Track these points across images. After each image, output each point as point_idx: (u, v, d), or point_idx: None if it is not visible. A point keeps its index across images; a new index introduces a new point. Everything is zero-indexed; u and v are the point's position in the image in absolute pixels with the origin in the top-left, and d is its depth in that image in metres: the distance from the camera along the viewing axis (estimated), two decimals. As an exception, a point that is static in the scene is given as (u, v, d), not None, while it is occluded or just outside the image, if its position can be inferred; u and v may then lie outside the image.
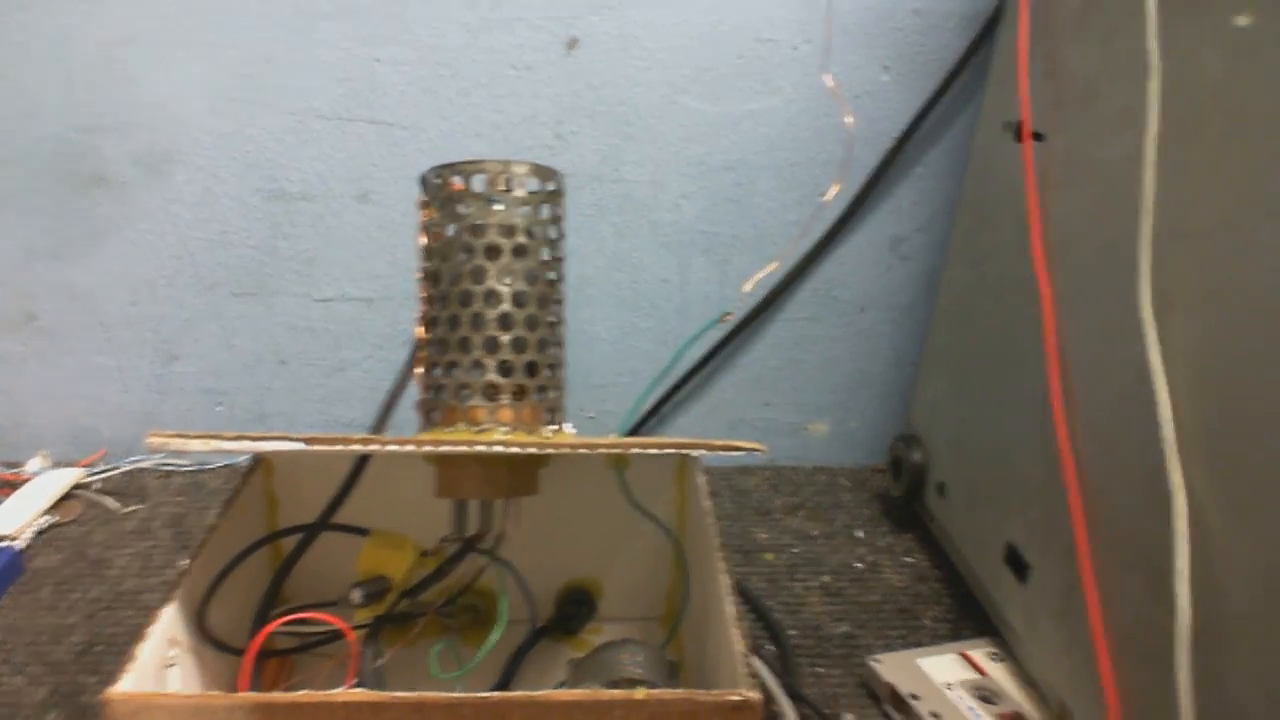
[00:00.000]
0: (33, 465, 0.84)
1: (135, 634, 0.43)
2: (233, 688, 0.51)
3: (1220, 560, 0.42)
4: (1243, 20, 0.42)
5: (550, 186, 0.51)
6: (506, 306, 0.48)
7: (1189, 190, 0.45)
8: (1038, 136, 0.59)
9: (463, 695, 0.40)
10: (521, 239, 0.49)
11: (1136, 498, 0.48)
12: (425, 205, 0.51)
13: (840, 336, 0.88)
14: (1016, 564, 0.61)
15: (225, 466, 0.86)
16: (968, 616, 0.69)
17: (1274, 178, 0.40)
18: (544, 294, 0.50)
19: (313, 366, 0.86)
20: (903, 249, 0.84)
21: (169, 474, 0.85)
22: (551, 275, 0.51)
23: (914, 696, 0.58)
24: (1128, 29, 0.50)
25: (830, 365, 0.89)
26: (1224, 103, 0.43)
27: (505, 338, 0.48)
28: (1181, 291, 0.45)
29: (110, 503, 0.80)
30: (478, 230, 0.48)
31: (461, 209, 0.49)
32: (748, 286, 0.67)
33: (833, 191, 0.64)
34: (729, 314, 0.66)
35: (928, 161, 0.81)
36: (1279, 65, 0.40)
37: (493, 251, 0.48)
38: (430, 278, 0.50)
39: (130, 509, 0.80)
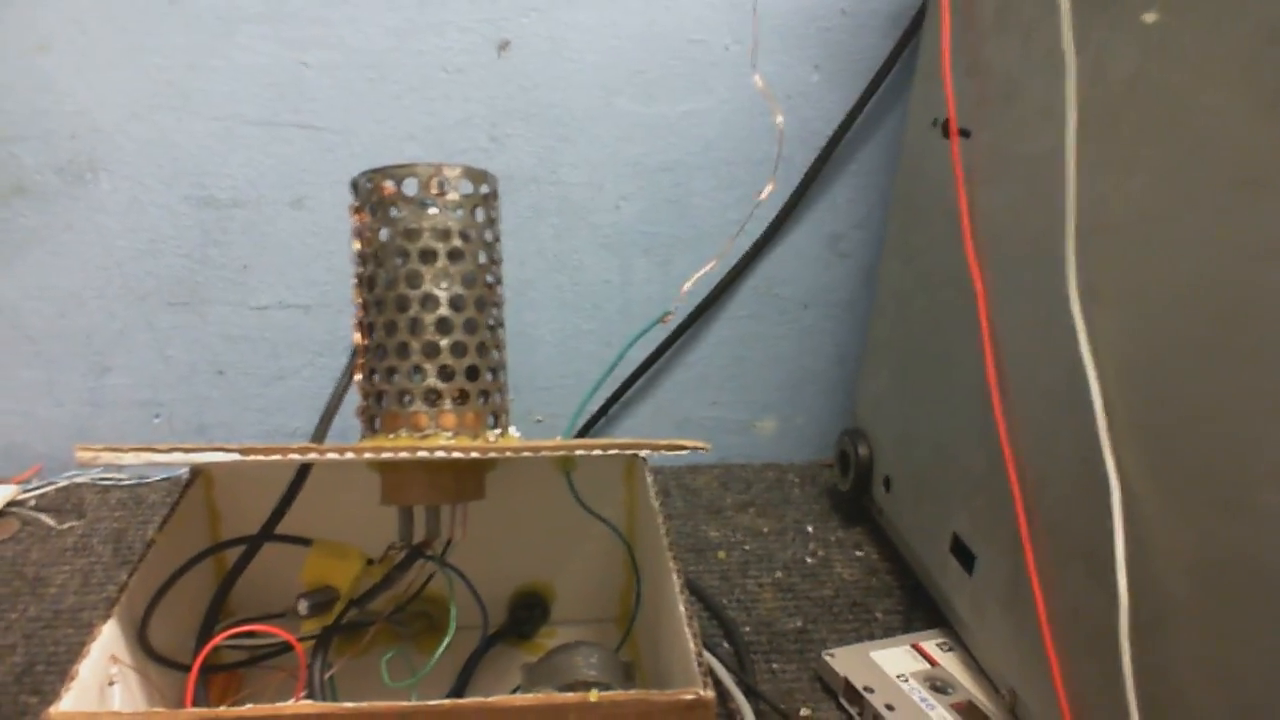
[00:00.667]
0: (-38, 485, 0.81)
1: (76, 652, 0.42)
2: (178, 704, 0.50)
3: (1156, 548, 0.43)
4: (1149, 17, 0.43)
5: (484, 189, 0.50)
6: (444, 311, 0.48)
7: (1108, 185, 0.46)
8: (964, 133, 0.60)
9: (415, 704, 0.39)
10: (457, 242, 0.48)
11: (1074, 487, 0.49)
12: (357, 210, 0.50)
13: (783, 334, 0.88)
14: (963, 555, 0.62)
15: (165, 480, 0.85)
16: (918, 608, 0.70)
17: (1183, 172, 0.42)
18: (482, 297, 0.50)
19: (251, 376, 0.84)
20: (841, 246, 0.85)
21: (107, 489, 0.83)
22: (489, 278, 0.51)
23: (868, 689, 0.59)
24: (1044, 26, 0.51)
25: (775, 363, 0.90)
26: (1136, 99, 0.45)
27: (444, 342, 0.48)
28: (1107, 284, 0.46)
29: (47, 519, 0.78)
30: (412, 234, 0.48)
31: (394, 213, 0.49)
32: (686, 286, 0.68)
33: (767, 190, 0.65)
34: (670, 313, 0.66)
35: (861, 159, 0.82)
36: (1183, 61, 0.42)
37: (428, 255, 0.48)
38: (365, 283, 0.50)
39: (67, 525, 0.78)
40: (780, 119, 0.79)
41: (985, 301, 0.56)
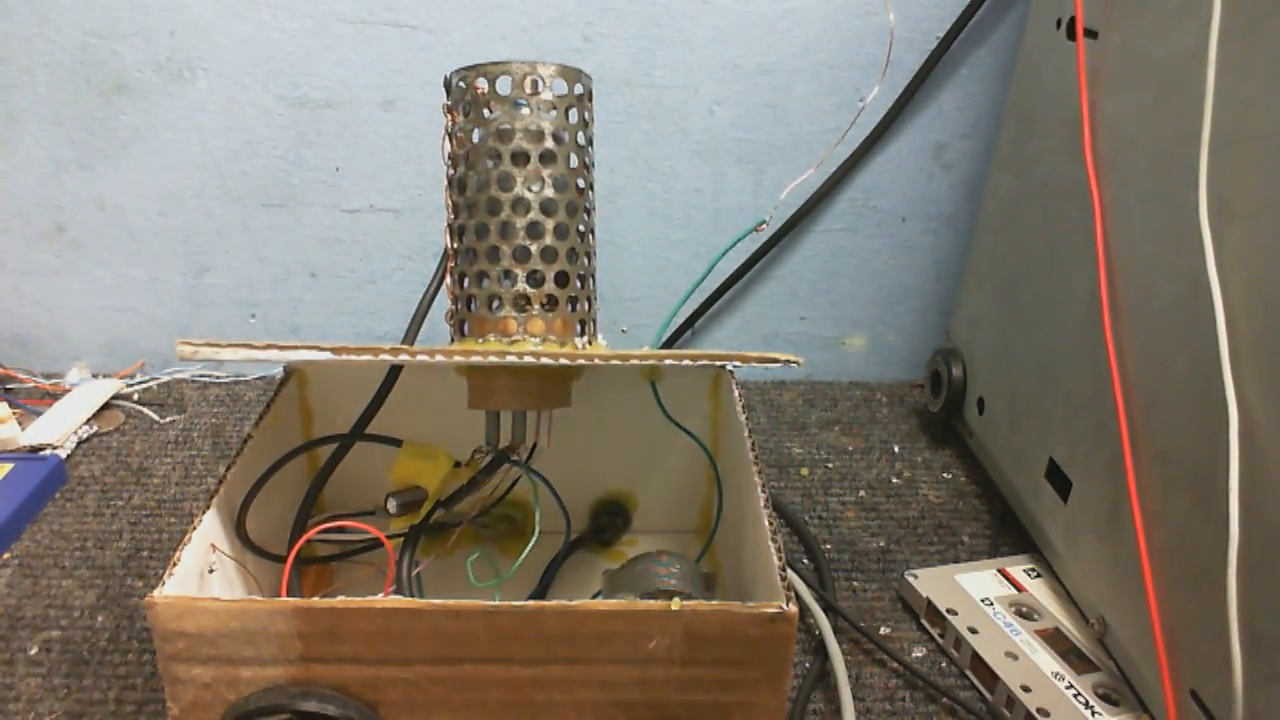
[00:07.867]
0: (72, 376, 0.85)
1: (178, 540, 0.43)
2: (273, 593, 0.52)
3: (1273, 480, 0.41)
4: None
5: (578, 89, 0.49)
6: (535, 215, 0.47)
7: (1251, 90, 0.43)
8: (1090, 34, 0.56)
9: (499, 604, 0.40)
10: (549, 144, 0.47)
11: (1187, 414, 0.47)
12: (450, 110, 0.49)
13: (879, 248, 0.85)
14: (1058, 481, 0.60)
15: (261, 378, 0.87)
16: (1006, 533, 0.68)
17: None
18: (573, 202, 0.49)
19: (343, 279, 0.85)
20: (945, 156, 0.81)
21: (206, 385, 0.86)
22: (580, 183, 0.50)
23: (951, 611, 0.58)
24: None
25: (868, 278, 0.87)
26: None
27: (534, 247, 0.47)
28: (1241, 197, 0.43)
29: (150, 413, 0.81)
30: (504, 135, 0.47)
31: (487, 113, 0.47)
32: (783, 195, 0.65)
33: (874, 93, 0.62)
34: (764, 222, 0.65)
35: (973, 63, 0.78)
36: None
37: (520, 157, 0.47)
38: (457, 186, 0.49)
39: (169, 419, 0.80)
40: (892, 17, 0.74)
41: (1102, 214, 0.53)
